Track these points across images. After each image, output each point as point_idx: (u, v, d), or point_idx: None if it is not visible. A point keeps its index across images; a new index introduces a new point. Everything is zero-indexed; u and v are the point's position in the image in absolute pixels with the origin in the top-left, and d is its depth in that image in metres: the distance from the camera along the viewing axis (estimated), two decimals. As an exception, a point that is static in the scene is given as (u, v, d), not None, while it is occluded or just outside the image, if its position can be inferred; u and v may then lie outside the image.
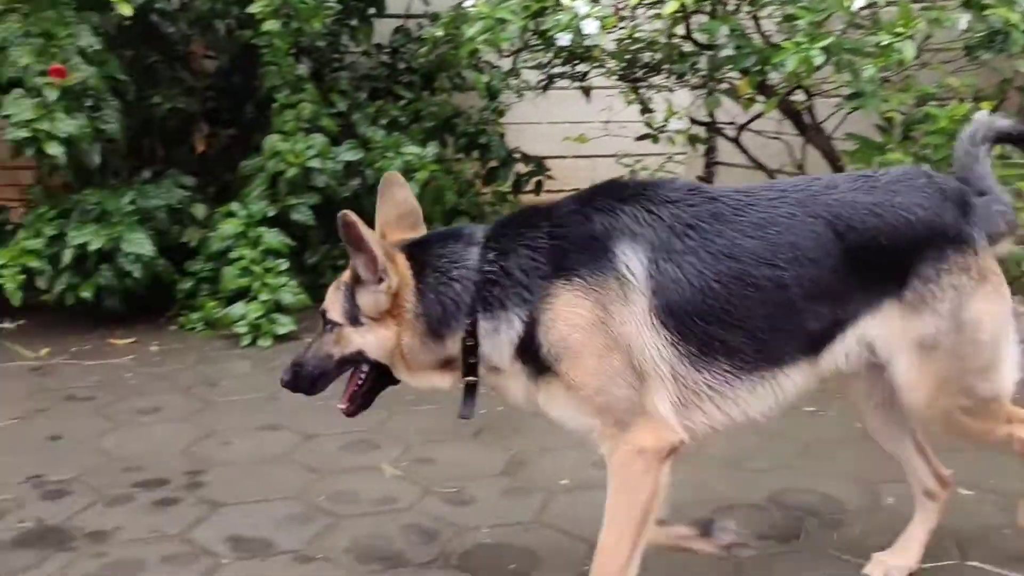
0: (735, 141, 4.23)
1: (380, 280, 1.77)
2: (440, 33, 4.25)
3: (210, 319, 3.87)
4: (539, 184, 4.79)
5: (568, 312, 1.72)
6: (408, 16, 5.03)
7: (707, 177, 5.37)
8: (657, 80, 4.34)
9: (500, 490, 2.46)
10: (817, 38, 3.03)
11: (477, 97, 4.85)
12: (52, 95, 3.52)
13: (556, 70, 4.48)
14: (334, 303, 1.85)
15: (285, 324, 3.74)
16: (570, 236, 1.77)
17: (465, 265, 1.79)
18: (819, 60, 2.99)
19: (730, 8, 3.54)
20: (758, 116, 3.91)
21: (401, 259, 1.79)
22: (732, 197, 1.83)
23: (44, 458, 2.65)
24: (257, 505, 2.37)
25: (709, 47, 3.72)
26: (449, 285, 1.78)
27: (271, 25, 3.75)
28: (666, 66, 4.08)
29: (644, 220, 1.77)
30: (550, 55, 4.36)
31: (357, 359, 1.88)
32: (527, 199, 4.94)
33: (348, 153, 4.12)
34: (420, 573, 2.07)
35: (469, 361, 1.80)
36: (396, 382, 1.89)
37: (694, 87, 4.28)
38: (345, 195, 4.16)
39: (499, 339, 1.76)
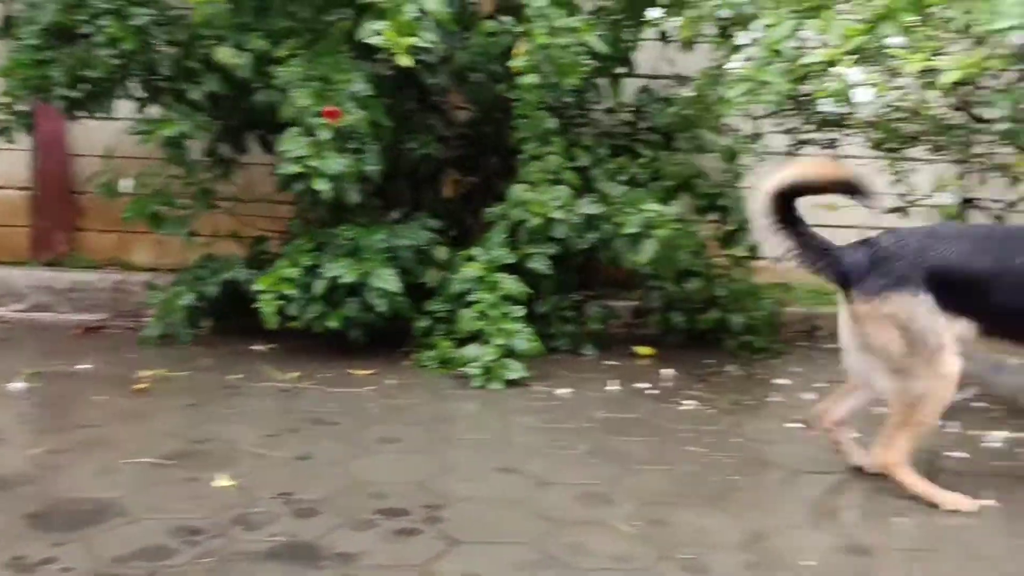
0: (998, 219, 3.97)
1: None
2: (691, 94, 4.25)
3: (444, 358, 3.99)
4: (777, 251, 4.66)
5: None
6: (653, 76, 5.07)
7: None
8: (915, 152, 4.17)
9: (738, 563, 2.36)
10: None
11: (716, 159, 4.82)
12: (325, 135, 3.78)
13: (806, 136, 4.38)
14: None
15: (516, 370, 3.80)
16: None
17: None
18: None
19: (1010, 80, 3.34)
20: (1026, 197, 3.66)
21: None
22: None
23: (294, 476, 2.79)
24: (494, 547, 2.38)
25: (981, 120, 3.53)
26: None
27: (531, 79, 3.86)
28: (928, 138, 3.91)
29: None
30: (801, 120, 4.27)
31: None
32: (762, 265, 4.83)
33: (590, 206, 4.16)
34: (660, 639, 2.00)
35: None
36: None
37: (956, 161, 4.08)
38: (582, 247, 4.21)
39: None
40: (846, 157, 4.39)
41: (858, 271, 2.80)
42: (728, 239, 4.61)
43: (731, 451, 3.17)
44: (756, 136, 4.64)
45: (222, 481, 2.70)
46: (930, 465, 3.08)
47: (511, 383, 3.78)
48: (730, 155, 4.72)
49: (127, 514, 2.46)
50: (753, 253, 4.67)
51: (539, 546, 2.39)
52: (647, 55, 5.05)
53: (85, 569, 2.15)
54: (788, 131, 4.36)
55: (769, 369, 4.29)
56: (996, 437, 3.34)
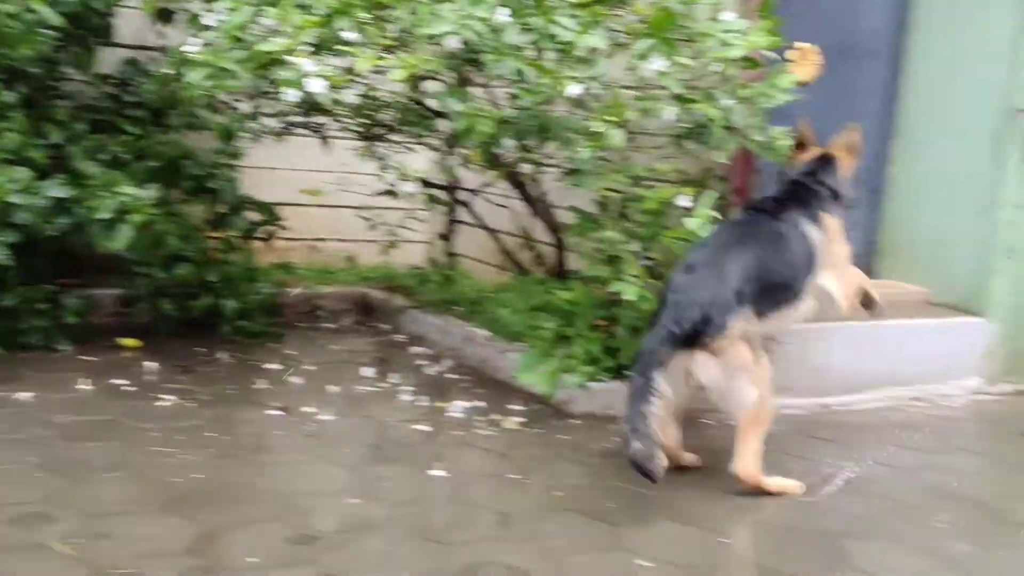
0: (465, 205, 4.32)
1: None
2: (170, 71, 4.06)
3: None
4: (271, 233, 4.66)
5: None
6: (140, 47, 4.76)
7: (447, 235, 5.45)
8: (397, 139, 4.38)
9: (182, 570, 2.30)
10: (539, 116, 3.15)
11: (212, 138, 4.66)
12: None
13: (294, 119, 4.40)
14: None
15: (-35, 375, 3.38)
16: None
17: None
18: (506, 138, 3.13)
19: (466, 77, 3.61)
20: (487, 184, 4.01)
21: None
22: None
23: None
24: None
25: (440, 114, 3.78)
26: None
27: (-31, 47, 3.42)
28: (404, 128, 4.12)
29: None
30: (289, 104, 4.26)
31: None
32: (259, 247, 4.81)
33: (57, 189, 3.80)
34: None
35: None
36: None
37: (434, 149, 4.34)
38: (51, 233, 3.84)
39: None
40: (335, 139, 4.50)
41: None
42: (220, 221, 4.51)
43: (203, 447, 3.10)
44: (253, 115, 4.56)
45: None
46: (383, 437, 3.28)
47: (-41, 391, 3.36)
48: (225, 134, 4.58)
49: None
50: (248, 234, 4.63)
51: (-54, 586, 2.13)
52: (135, 25, 4.74)
53: None
54: (277, 114, 4.35)
55: (264, 353, 4.26)
56: (459, 407, 3.63)
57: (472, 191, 4.27)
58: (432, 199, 4.48)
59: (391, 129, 4.23)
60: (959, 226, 4.58)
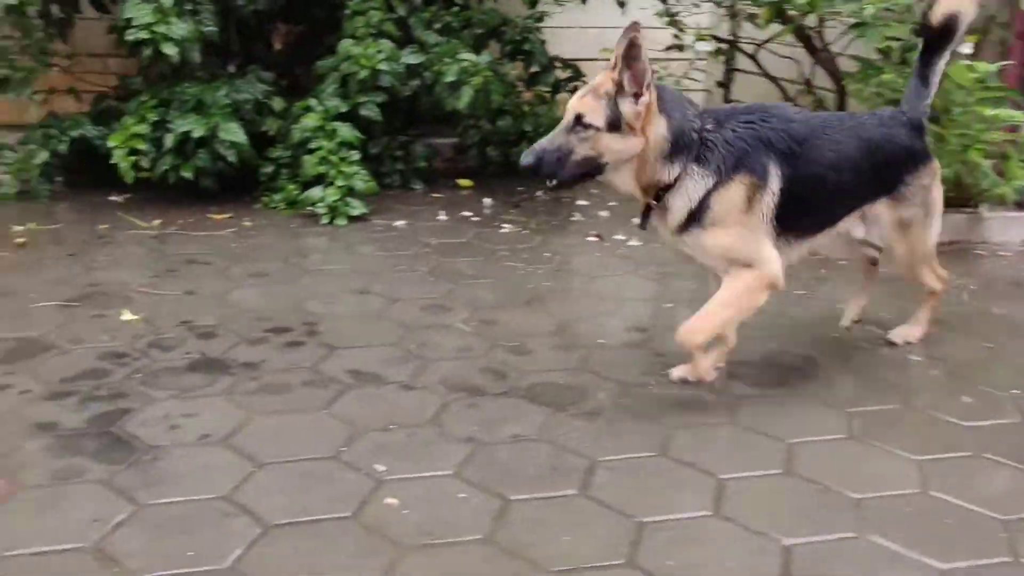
0: (752, 57, 4.78)
1: (638, 96, 2.39)
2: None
3: (291, 200, 4.50)
4: (575, 88, 5.34)
5: (730, 196, 2.55)
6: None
7: (726, 83, 5.91)
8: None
9: (551, 345, 3.13)
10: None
11: (519, 5, 5.36)
12: (167, 1, 4.07)
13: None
14: (595, 110, 2.42)
15: (357, 207, 4.38)
16: (740, 146, 2.57)
17: (697, 129, 2.53)
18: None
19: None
20: (773, 37, 4.44)
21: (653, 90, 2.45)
22: (813, 123, 2.73)
23: (187, 308, 3.33)
24: (364, 349, 3.05)
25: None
26: (687, 133, 2.51)
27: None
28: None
29: (777, 139, 2.60)
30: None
31: (596, 160, 2.47)
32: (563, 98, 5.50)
33: (411, 57, 4.67)
34: (496, 400, 2.75)
35: (661, 191, 2.57)
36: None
37: (719, 4, 4.80)
38: (407, 94, 4.73)
39: (692, 191, 2.55)
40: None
41: None
42: (533, 79, 5.25)
43: (542, 263, 3.93)
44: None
45: (127, 316, 3.21)
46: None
47: (353, 219, 4.36)
48: (531, 1, 5.28)
49: (56, 347, 2.96)
50: (554, 89, 5.35)
51: (399, 346, 3.08)
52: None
53: (41, 390, 2.67)
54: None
55: (571, 192, 5.03)
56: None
57: (757, 44, 4.71)
58: (718, 51, 4.96)
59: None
60: None
